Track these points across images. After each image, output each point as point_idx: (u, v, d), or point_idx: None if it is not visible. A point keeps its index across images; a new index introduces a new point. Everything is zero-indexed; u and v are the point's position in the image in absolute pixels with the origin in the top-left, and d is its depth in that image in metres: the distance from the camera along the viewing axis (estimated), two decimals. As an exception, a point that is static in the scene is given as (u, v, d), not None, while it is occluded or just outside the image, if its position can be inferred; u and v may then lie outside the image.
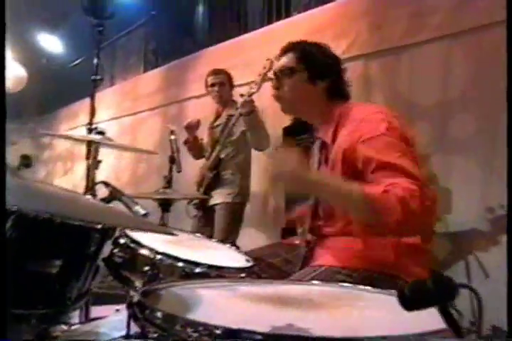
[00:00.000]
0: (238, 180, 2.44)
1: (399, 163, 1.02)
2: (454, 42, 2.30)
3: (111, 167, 4.90)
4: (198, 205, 2.44)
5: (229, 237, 2.31)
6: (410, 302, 0.41)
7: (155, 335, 0.53)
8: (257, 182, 2.71)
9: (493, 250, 1.94)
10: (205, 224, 2.45)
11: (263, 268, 1.22)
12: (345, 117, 1.21)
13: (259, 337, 0.47)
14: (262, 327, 0.50)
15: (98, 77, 1.85)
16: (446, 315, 0.41)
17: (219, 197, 2.41)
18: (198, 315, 0.56)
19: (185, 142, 2.54)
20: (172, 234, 0.71)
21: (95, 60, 1.86)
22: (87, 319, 1.24)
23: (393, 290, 0.68)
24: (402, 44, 2.51)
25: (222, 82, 2.52)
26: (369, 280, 1.06)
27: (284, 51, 1.32)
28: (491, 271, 1.94)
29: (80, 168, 4.24)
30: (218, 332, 0.47)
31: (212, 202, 2.42)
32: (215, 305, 0.68)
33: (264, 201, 3.03)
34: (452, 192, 2.16)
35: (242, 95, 2.27)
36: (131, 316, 0.59)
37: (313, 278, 1.07)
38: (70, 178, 5.78)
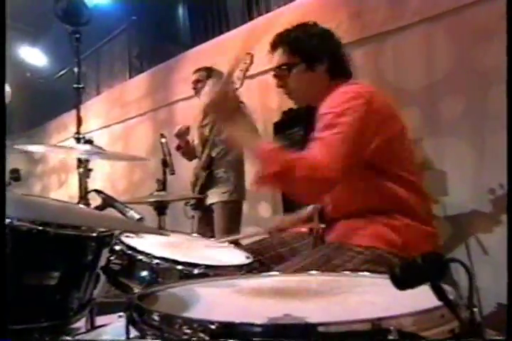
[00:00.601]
0: (232, 178, 2.42)
1: (328, 140, 1.07)
2: (435, 25, 2.29)
3: (106, 175, 4.88)
4: (195, 206, 2.43)
5: (230, 236, 2.30)
6: (401, 280, 0.40)
7: (154, 337, 0.53)
8: (252, 179, 2.69)
9: (495, 230, 1.95)
10: (206, 224, 2.45)
11: (271, 258, 1.23)
12: (330, 94, 1.22)
13: (256, 328, 0.47)
14: (260, 319, 0.50)
15: (81, 85, 1.84)
16: (438, 291, 0.41)
17: (215, 197, 2.40)
18: (195, 313, 0.56)
19: (177, 148, 2.53)
20: (165, 235, 0.70)
21: (76, 68, 1.85)
22: (92, 328, 1.23)
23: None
24: (384, 30, 2.51)
25: (198, 80, 2.54)
26: (380, 258, 1.07)
27: (274, 46, 1.31)
28: (493, 251, 1.94)
29: (75, 179, 4.22)
30: (213, 327, 0.47)
31: (208, 201, 2.41)
32: (212, 302, 0.67)
33: (262, 198, 3.03)
34: (447, 174, 2.16)
35: None
36: (129, 320, 0.58)
37: (325, 254, 1.08)
38: (65, 190, 5.76)
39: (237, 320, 0.48)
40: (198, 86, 2.55)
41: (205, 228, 2.42)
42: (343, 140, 1.06)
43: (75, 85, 1.83)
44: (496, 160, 1.90)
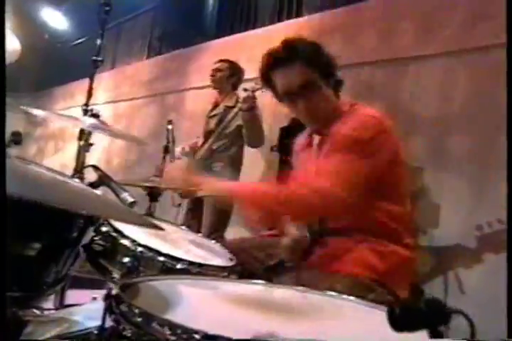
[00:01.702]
0: (228, 173, 2.42)
1: (334, 170, 1.09)
2: (459, 60, 2.30)
3: (103, 149, 4.85)
4: (184, 194, 2.42)
5: (216, 231, 2.29)
6: (400, 322, 0.40)
7: (129, 331, 0.51)
8: (247, 177, 2.69)
9: (476, 268, 1.96)
10: (193, 216, 2.43)
11: (247, 260, 1.22)
12: (347, 115, 1.20)
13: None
14: (242, 333, 0.49)
15: (99, 58, 1.81)
16: (437, 338, 0.40)
17: (207, 190, 2.38)
18: (176, 316, 0.55)
19: (182, 152, 2.52)
20: (158, 229, 0.69)
21: (98, 41, 1.83)
22: (61, 304, 1.21)
23: (378, 304, 0.69)
24: (409, 56, 2.51)
25: (219, 69, 2.53)
26: (360, 286, 1.06)
27: (287, 60, 1.15)
28: (470, 289, 1.95)
29: (71, 148, 4.19)
30: (198, 337, 0.45)
31: (200, 193, 2.40)
32: (194, 304, 0.66)
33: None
34: (441, 208, 2.17)
35: (245, 89, 2.25)
36: (107, 309, 0.57)
37: (333, 287, 1.00)
38: (60, 158, 5.71)
39: (217, 331, 0.47)
40: (216, 75, 2.52)
41: (193, 220, 2.41)
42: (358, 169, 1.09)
43: (94, 57, 1.81)
44: (492, 201, 1.91)
